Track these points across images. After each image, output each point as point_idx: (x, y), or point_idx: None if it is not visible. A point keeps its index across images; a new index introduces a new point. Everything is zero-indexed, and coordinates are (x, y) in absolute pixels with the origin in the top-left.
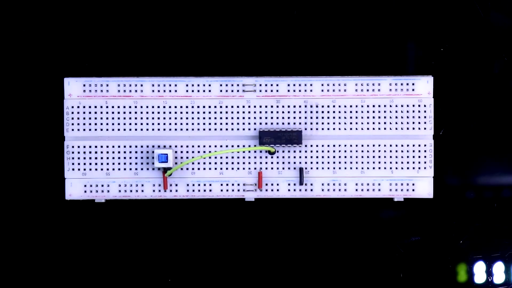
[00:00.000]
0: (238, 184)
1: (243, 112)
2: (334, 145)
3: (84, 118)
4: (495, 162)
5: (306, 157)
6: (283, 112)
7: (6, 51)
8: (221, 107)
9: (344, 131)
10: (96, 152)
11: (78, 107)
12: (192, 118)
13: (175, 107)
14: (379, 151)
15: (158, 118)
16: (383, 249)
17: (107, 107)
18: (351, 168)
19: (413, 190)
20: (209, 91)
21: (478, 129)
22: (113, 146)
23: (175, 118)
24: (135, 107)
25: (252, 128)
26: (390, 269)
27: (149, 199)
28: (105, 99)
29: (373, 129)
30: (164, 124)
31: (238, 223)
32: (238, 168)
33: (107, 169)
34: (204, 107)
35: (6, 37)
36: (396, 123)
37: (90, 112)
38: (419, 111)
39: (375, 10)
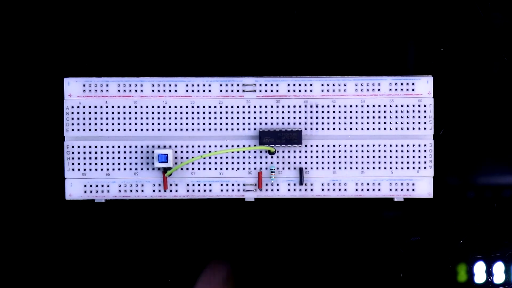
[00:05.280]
0: (238, 184)
1: (243, 112)
2: (334, 145)
3: (84, 118)
4: (495, 162)
5: (306, 157)
6: (283, 112)
7: (6, 51)
8: (221, 107)
9: (344, 131)
10: (96, 152)
11: (78, 107)
12: (192, 118)
13: (175, 107)
14: (379, 151)
15: (158, 118)
16: (383, 249)
17: (107, 107)
18: (351, 168)
19: (413, 190)
20: (209, 91)
21: (478, 129)
22: (113, 146)
23: (175, 118)
24: (135, 107)
25: (252, 128)
26: (390, 269)
27: (149, 199)
28: (105, 99)
29: (373, 129)
30: (164, 124)
31: (238, 223)
32: (238, 168)
33: (107, 169)
34: (204, 107)
35: (6, 37)
36: (396, 123)
37: (90, 112)
38: (419, 111)
39: (375, 10)
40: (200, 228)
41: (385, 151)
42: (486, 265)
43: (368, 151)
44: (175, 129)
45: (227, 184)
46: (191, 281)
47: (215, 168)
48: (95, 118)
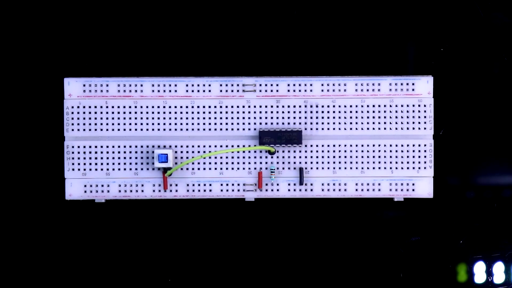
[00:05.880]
0: (238, 184)
1: (243, 112)
2: (334, 145)
3: (84, 118)
4: (495, 162)
5: (306, 157)
6: (283, 112)
7: (6, 51)
8: (221, 107)
9: (344, 131)
10: (96, 152)
11: (78, 107)
12: (192, 118)
13: (175, 107)
14: (379, 151)
15: (158, 118)
16: (383, 249)
17: (107, 107)
18: (351, 168)
19: (413, 190)
20: (209, 91)
21: (478, 129)
22: (113, 146)
23: (175, 118)
24: (135, 107)
25: (252, 128)
26: (390, 269)
27: (149, 199)
28: (105, 99)
29: (373, 129)
30: (164, 124)
31: (238, 223)
32: (238, 168)
33: (107, 169)
34: (204, 107)
35: (6, 37)
36: (396, 123)
37: (90, 112)
38: (419, 111)
39: (375, 10)
40: (200, 228)
41: (385, 151)
42: (486, 265)
43: (368, 151)
44: (175, 129)
45: (227, 184)
46: (191, 281)
47: (215, 168)
48: (95, 118)
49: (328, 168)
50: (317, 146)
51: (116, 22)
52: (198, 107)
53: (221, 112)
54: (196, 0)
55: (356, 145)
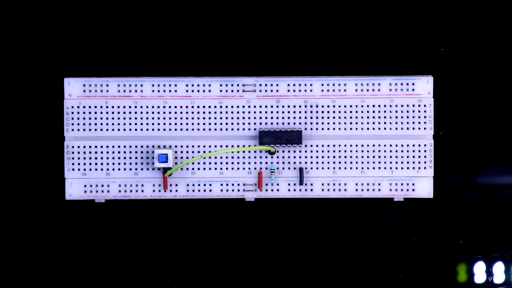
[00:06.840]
0: (238, 184)
1: (243, 112)
2: (334, 145)
3: (84, 118)
4: (495, 162)
5: (306, 157)
6: (283, 112)
7: (6, 51)
8: (221, 107)
9: (344, 131)
10: (96, 152)
11: (78, 107)
12: (192, 118)
13: (175, 107)
14: (379, 151)
15: (158, 118)
16: (383, 249)
17: (107, 107)
18: (351, 168)
19: (413, 190)
20: (209, 91)
21: (478, 129)
22: (113, 146)
23: (175, 118)
24: (135, 107)
25: (252, 128)
26: (390, 269)
27: (149, 199)
28: (105, 99)
29: (373, 129)
30: (164, 124)
31: (238, 223)
32: (238, 168)
33: (107, 169)
34: (204, 107)
35: (6, 37)
36: (396, 123)
37: (90, 112)
38: (419, 111)
39: (375, 10)
40: (200, 228)
41: (385, 151)
42: (486, 265)
43: (368, 151)
44: (175, 129)
45: (227, 184)
46: (191, 281)
47: (215, 168)
48: (95, 118)
49: (328, 168)
50: (317, 146)
51: (116, 22)
52: (198, 107)
53: (221, 112)
54: (196, 0)
55: (356, 145)
